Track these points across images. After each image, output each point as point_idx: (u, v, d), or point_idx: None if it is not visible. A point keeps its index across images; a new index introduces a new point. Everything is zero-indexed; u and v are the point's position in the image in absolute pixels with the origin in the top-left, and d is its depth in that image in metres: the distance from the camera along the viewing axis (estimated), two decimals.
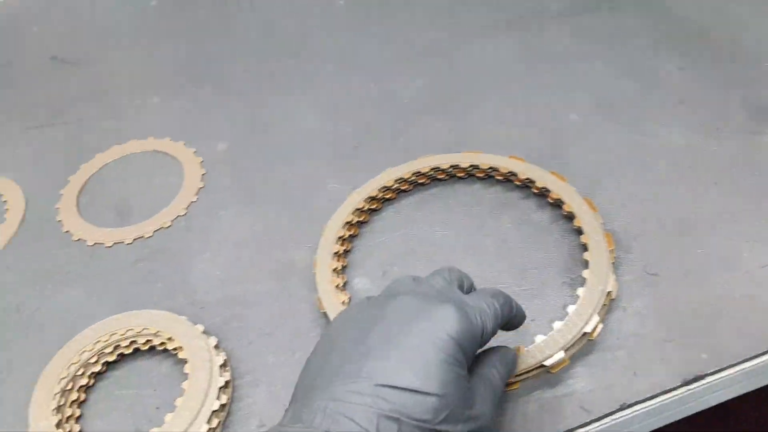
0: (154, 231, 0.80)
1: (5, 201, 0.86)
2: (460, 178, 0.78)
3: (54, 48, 1.19)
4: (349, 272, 0.70)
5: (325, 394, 0.41)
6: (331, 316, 0.63)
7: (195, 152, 0.89)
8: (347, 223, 0.72)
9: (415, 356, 0.42)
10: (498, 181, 0.77)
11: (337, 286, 0.66)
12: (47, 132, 1.00)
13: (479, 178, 0.78)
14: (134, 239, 0.80)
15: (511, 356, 0.53)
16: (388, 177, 0.76)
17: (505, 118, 0.85)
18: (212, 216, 0.80)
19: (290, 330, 0.66)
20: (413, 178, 0.77)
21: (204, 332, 0.63)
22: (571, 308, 0.59)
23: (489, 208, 0.74)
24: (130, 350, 0.66)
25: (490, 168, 0.75)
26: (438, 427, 0.41)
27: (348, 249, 0.71)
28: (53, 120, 1.01)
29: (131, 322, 0.65)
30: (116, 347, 0.65)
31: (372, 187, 0.75)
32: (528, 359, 0.56)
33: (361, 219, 0.74)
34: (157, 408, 0.62)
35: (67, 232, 0.82)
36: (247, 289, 0.71)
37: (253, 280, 0.72)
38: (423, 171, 0.76)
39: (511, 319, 0.51)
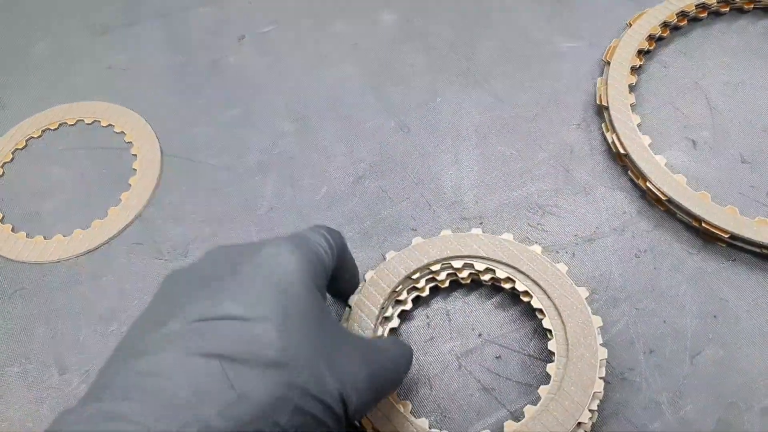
0: None
1: None
2: (720, 14, 0.63)
3: None
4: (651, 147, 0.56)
5: (129, 350, 0.31)
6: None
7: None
8: (629, 86, 0.59)
9: (240, 285, 0.32)
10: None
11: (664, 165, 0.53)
12: None
13: (744, 11, 0.63)
14: None
15: (407, 350, 0.42)
16: (648, 21, 0.61)
17: None
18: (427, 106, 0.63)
19: (616, 230, 0.54)
20: (674, 20, 0.61)
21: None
22: None
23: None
24: None
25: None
26: (277, 376, 0.30)
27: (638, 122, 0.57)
28: None
29: None
30: None
31: (636, 36, 0.59)
32: None
33: (632, 81, 0.59)
34: None
35: None
36: (529, 188, 0.57)
37: (529, 177, 0.58)
38: (685, 9, 0.61)
39: (345, 261, 0.42)
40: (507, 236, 0.49)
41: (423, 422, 0.44)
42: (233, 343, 0.30)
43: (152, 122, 0.63)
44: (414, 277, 0.49)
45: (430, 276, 0.49)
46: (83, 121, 0.64)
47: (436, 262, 0.48)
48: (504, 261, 0.47)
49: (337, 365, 0.33)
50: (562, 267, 0.47)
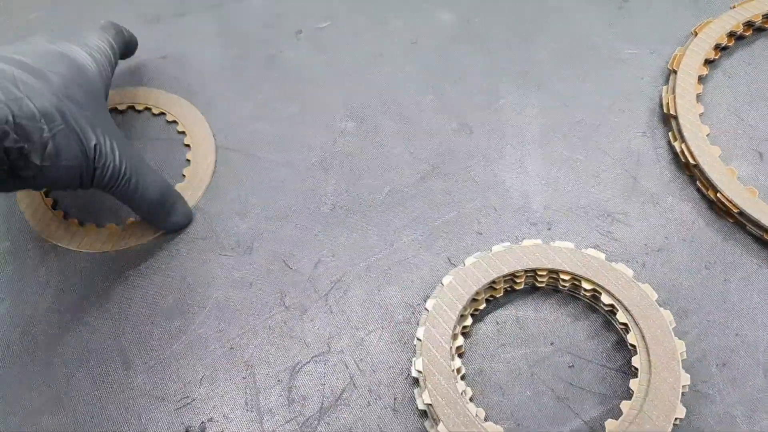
0: None
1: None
2: None
3: None
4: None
5: None
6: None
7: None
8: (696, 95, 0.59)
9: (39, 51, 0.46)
10: None
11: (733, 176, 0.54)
12: None
13: None
14: None
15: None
16: (715, 29, 0.60)
17: None
18: (489, 108, 0.62)
19: (684, 240, 0.54)
20: (741, 29, 0.61)
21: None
22: None
23: None
24: None
25: None
26: (55, 101, 0.43)
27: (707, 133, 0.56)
28: None
29: None
30: None
31: (702, 44, 0.59)
32: None
33: (699, 90, 0.58)
34: None
35: None
36: (596, 196, 0.57)
37: (594, 184, 0.57)
38: (752, 19, 0.61)
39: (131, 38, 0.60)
40: (592, 251, 0.48)
41: (498, 429, 0.43)
42: (32, 59, 0.43)
43: (207, 115, 0.63)
44: (493, 285, 0.49)
45: (509, 280, 0.49)
46: (134, 107, 0.63)
47: (516, 272, 0.48)
48: (588, 277, 0.47)
49: (97, 126, 0.46)
50: (647, 288, 0.46)
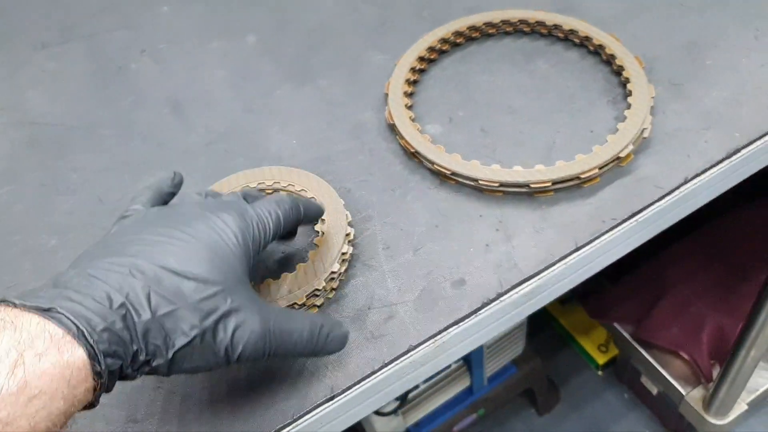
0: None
1: None
2: (490, 35, 0.88)
3: None
4: (419, 122, 0.78)
5: (84, 264, 0.42)
6: (422, 150, 0.74)
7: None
8: (407, 80, 0.81)
9: (183, 245, 0.43)
10: (525, 33, 0.87)
11: (417, 130, 0.75)
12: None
13: (507, 33, 0.88)
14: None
15: (316, 325, 0.51)
16: (432, 38, 0.84)
17: None
18: (269, 97, 0.86)
19: (382, 174, 0.75)
20: (452, 38, 0.85)
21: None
22: (627, 111, 0.71)
23: (522, 55, 0.85)
24: None
25: (518, 21, 0.85)
26: (202, 305, 0.42)
27: (410, 104, 0.79)
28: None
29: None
30: None
31: (420, 47, 0.83)
32: (603, 155, 0.69)
33: (415, 78, 0.82)
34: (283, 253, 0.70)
35: None
36: (329, 149, 0.78)
37: (331, 142, 0.79)
38: (461, 30, 0.85)
39: (307, 215, 0.58)
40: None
41: None
42: (162, 284, 0.41)
43: (71, 109, 0.86)
44: None
45: None
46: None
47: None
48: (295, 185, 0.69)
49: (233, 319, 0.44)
50: (333, 192, 0.68)
